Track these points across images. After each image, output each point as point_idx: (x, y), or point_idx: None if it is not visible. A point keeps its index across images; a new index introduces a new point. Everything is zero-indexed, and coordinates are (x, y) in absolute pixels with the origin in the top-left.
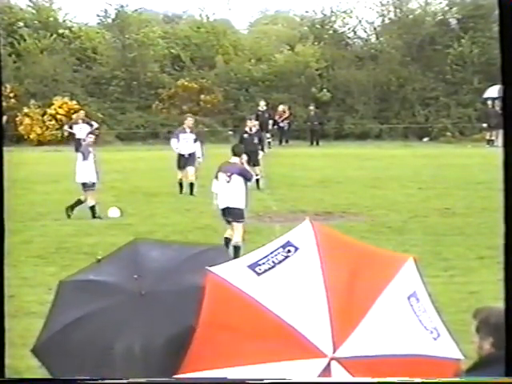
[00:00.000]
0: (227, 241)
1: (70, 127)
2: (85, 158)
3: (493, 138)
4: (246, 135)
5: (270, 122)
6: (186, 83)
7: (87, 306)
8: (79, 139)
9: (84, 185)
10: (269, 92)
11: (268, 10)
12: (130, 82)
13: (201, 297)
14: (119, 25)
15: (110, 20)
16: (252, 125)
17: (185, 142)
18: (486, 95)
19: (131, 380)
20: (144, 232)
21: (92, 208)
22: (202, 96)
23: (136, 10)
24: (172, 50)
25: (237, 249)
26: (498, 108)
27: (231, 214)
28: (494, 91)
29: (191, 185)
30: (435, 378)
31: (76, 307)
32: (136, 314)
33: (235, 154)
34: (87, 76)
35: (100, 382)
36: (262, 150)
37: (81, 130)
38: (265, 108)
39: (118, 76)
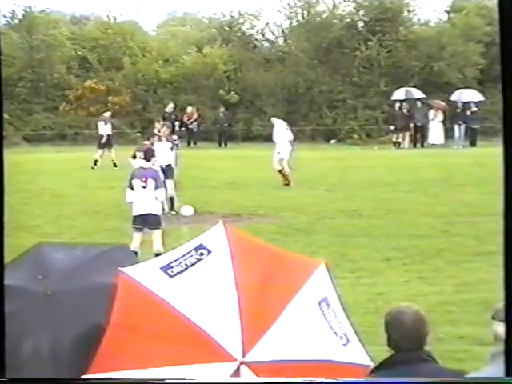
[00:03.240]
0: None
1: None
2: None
3: (399, 140)
4: None
5: (177, 123)
6: (93, 85)
7: None
8: (103, 136)
9: None
10: (177, 94)
11: (176, 12)
12: (37, 84)
13: (111, 296)
14: (26, 26)
15: (16, 21)
16: (160, 127)
17: (161, 152)
18: (393, 97)
19: (131, 380)
20: (51, 234)
21: (171, 199)
22: (110, 97)
23: (43, 11)
24: (79, 52)
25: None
26: (404, 110)
27: (149, 221)
28: (400, 94)
29: (171, 199)
30: (437, 378)
31: None
32: (42, 314)
33: (146, 159)
34: None
35: (100, 381)
36: None
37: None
38: (172, 110)
39: (24, 77)
